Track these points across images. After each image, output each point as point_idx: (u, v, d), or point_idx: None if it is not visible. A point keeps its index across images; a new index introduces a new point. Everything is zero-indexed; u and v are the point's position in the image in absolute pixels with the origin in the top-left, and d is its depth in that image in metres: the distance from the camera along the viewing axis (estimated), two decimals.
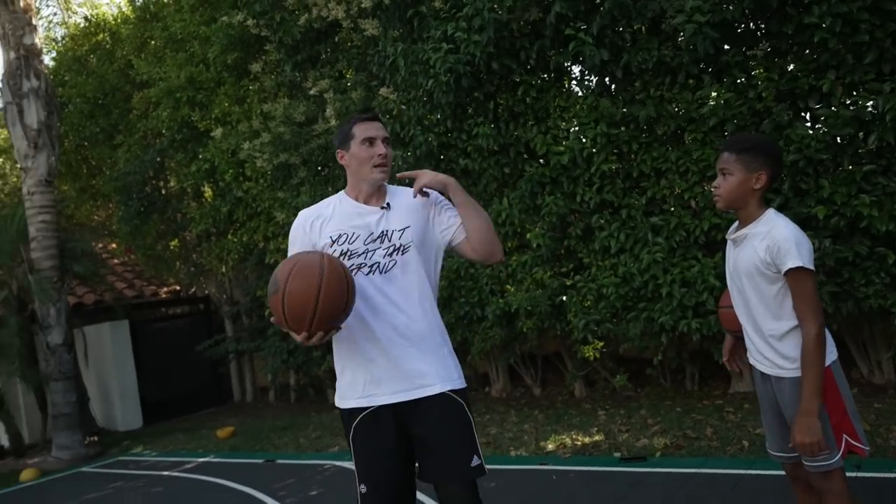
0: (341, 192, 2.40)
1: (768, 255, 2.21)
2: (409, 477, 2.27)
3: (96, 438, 9.14)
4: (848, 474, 3.58)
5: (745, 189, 2.30)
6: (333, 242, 2.24)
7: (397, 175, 2.45)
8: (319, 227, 2.29)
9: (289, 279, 2.02)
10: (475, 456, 2.19)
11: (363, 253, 2.23)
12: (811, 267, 2.18)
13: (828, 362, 2.23)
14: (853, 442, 2.25)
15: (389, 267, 2.23)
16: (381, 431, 2.20)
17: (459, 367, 2.32)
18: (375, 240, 2.24)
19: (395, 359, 2.19)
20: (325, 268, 2.03)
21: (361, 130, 2.29)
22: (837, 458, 2.23)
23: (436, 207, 2.35)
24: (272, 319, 2.16)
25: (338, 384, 2.31)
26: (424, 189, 2.31)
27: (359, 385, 2.23)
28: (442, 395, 2.20)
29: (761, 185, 2.29)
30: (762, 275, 2.25)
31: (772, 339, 2.29)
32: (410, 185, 2.35)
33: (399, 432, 2.21)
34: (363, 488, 2.22)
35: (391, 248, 2.23)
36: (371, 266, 2.23)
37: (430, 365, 2.21)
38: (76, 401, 8.50)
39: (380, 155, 2.27)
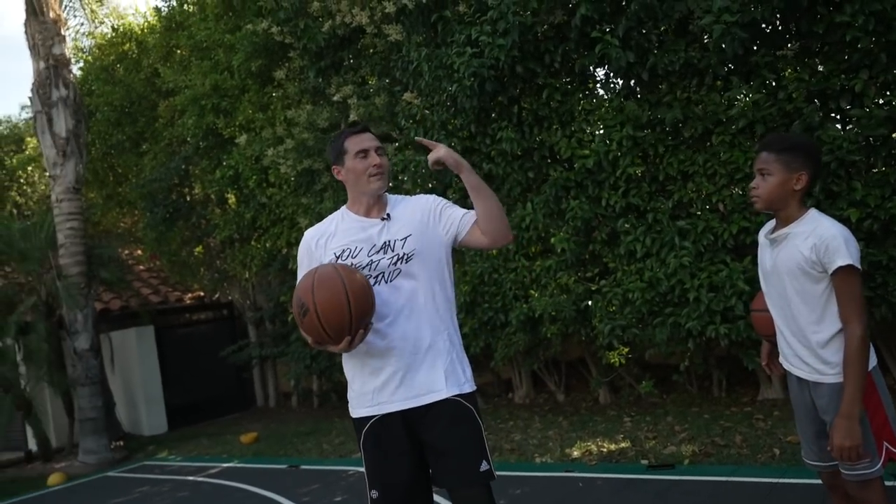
0: (343, 208, 2.42)
1: (814, 253, 2.15)
2: (424, 480, 2.28)
3: (122, 443, 9.22)
4: (887, 483, 3.48)
5: (785, 190, 2.24)
6: (337, 258, 2.28)
7: (415, 139, 2.39)
8: (324, 244, 2.32)
9: (314, 295, 2.07)
10: (484, 461, 2.19)
11: (368, 265, 2.25)
12: (859, 266, 2.11)
13: (868, 367, 2.17)
14: (894, 449, 2.18)
15: (394, 276, 2.25)
16: (390, 437, 2.22)
17: (469, 370, 2.32)
18: (379, 250, 2.26)
19: (404, 366, 2.21)
20: (340, 270, 2.12)
21: (354, 144, 2.31)
22: (878, 466, 2.17)
23: (435, 211, 2.35)
24: (310, 342, 2.17)
25: (349, 394, 2.35)
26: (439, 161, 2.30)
27: (368, 393, 2.25)
28: (451, 400, 2.21)
29: (802, 186, 2.23)
30: (806, 274, 2.19)
31: (816, 344, 2.22)
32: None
33: (409, 437, 2.23)
34: (374, 493, 2.25)
35: (395, 258, 2.25)
36: (376, 276, 2.25)
37: (439, 371, 2.23)
38: (102, 405, 8.59)
39: (375, 165, 2.29)
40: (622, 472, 4.70)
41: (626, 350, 6.20)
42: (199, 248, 11.26)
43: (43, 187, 13.77)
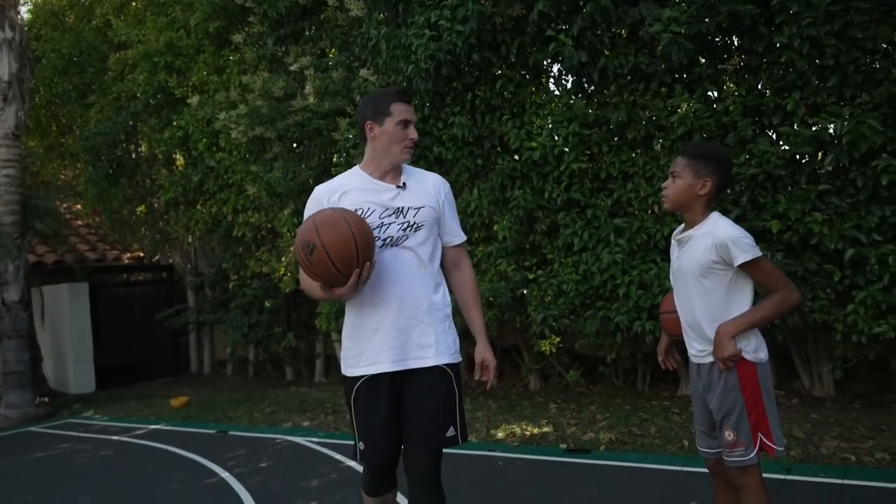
0: (355, 168, 2.50)
1: (714, 252, 2.31)
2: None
3: (47, 399, 9.00)
4: (777, 476, 3.75)
5: (690, 194, 2.39)
6: None
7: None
8: (338, 199, 2.38)
9: (319, 233, 2.15)
10: (452, 427, 2.36)
11: (378, 226, 2.33)
12: (759, 253, 2.29)
13: (757, 359, 2.34)
14: (767, 442, 2.35)
15: (401, 241, 2.36)
16: (379, 396, 2.35)
17: (458, 342, 2.48)
18: (391, 214, 2.35)
19: (399, 329, 2.33)
20: (338, 210, 2.25)
21: (400, 111, 2.38)
22: (752, 455, 2.34)
23: (445, 197, 2.50)
24: (317, 290, 2.28)
25: (344, 354, 2.45)
26: None
27: (364, 354, 2.37)
28: (435, 367, 2.36)
29: (706, 192, 2.39)
30: (710, 271, 2.34)
31: (711, 330, 2.37)
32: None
33: (394, 397, 2.36)
34: (361, 445, 2.40)
35: (405, 224, 2.36)
36: (384, 239, 2.34)
37: (430, 338, 2.37)
38: (29, 360, 8.39)
39: (412, 139, 2.41)
40: (541, 454, 4.90)
41: (558, 340, 6.40)
42: (141, 208, 11.03)
43: None
